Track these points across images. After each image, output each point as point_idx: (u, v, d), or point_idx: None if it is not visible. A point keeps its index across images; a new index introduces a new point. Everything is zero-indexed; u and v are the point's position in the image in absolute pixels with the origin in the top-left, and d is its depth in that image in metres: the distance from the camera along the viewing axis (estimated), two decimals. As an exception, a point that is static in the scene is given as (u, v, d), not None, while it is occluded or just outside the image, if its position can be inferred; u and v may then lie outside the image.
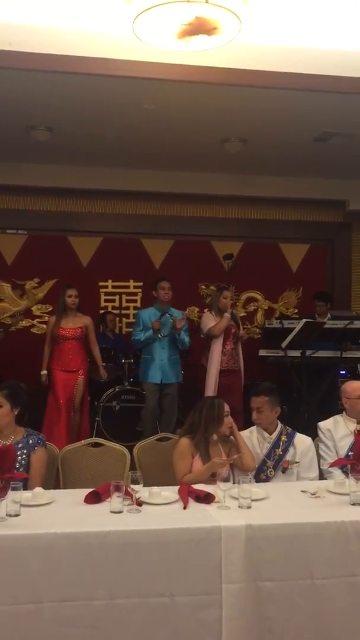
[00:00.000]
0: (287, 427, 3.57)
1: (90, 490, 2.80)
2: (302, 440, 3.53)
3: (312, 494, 2.90)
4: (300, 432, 3.59)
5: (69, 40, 3.59)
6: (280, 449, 3.47)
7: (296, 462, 3.43)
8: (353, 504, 2.75)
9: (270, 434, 3.52)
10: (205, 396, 3.49)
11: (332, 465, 3.35)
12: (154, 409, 5.66)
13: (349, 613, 2.52)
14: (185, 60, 3.73)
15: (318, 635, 2.51)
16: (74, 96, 4.92)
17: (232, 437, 3.40)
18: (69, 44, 3.62)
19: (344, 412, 3.76)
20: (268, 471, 3.44)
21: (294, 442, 3.50)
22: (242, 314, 7.46)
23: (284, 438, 3.50)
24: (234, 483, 2.90)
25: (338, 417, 3.76)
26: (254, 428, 3.59)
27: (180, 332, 5.59)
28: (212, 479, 3.08)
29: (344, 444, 3.62)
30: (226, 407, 3.40)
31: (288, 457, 3.45)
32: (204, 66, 3.83)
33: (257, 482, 3.37)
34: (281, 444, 3.49)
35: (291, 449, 3.48)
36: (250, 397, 3.63)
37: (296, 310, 7.78)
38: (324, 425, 3.75)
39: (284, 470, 3.42)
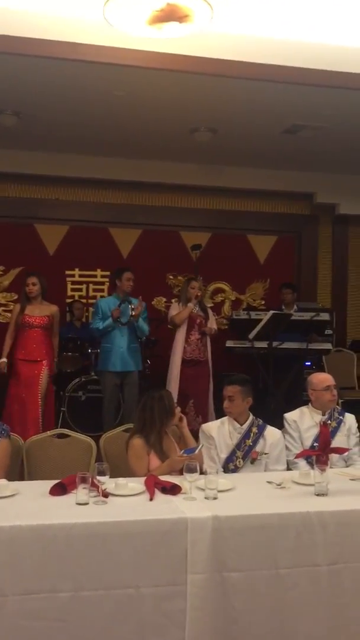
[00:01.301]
0: (259, 419, 3.59)
1: (55, 481, 2.76)
2: (272, 433, 3.56)
3: (278, 485, 2.93)
4: (265, 423, 3.62)
5: (38, 23, 3.51)
6: (250, 440, 3.50)
7: (265, 453, 3.46)
8: (317, 495, 2.78)
9: (241, 424, 3.54)
10: (149, 392, 3.40)
11: (297, 456, 3.38)
12: (113, 398, 5.61)
13: (311, 602, 2.55)
14: (156, 47, 3.70)
15: (282, 624, 2.54)
16: (42, 81, 4.82)
17: (180, 425, 3.37)
18: (38, 27, 3.55)
19: (309, 404, 3.80)
20: (237, 461, 3.46)
21: (265, 434, 3.53)
22: (210, 305, 7.46)
23: (254, 429, 3.53)
24: (200, 474, 2.90)
25: (304, 409, 3.80)
26: (225, 418, 3.60)
27: (138, 319, 5.51)
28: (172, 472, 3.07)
29: (309, 435, 3.66)
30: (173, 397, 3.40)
31: (258, 448, 3.48)
32: (175, 54, 3.80)
33: (225, 472, 3.40)
34: (252, 435, 3.51)
35: (261, 441, 3.51)
36: (221, 387, 3.64)
37: (263, 302, 7.83)
38: (289, 416, 3.78)
39: (252, 461, 3.45)
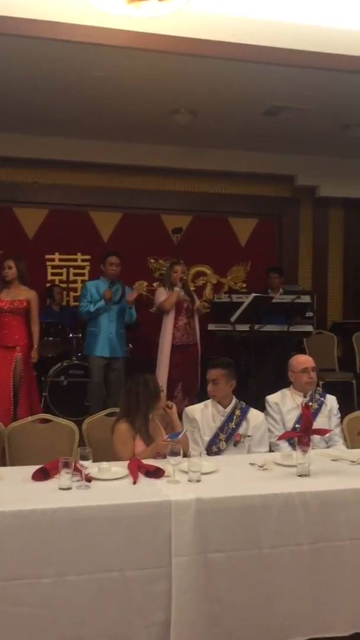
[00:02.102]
0: (242, 402, 3.61)
1: (38, 467, 2.75)
2: (255, 416, 3.58)
3: (260, 467, 2.95)
4: (249, 406, 3.64)
5: (14, 1, 3.43)
6: (233, 423, 3.52)
7: (248, 436, 3.49)
8: (299, 476, 2.80)
9: (225, 407, 3.56)
10: (135, 376, 3.38)
11: (280, 438, 3.41)
12: (100, 383, 5.60)
13: (293, 580, 2.58)
14: (135, 26, 3.64)
15: (264, 602, 2.57)
16: (19, 60, 4.72)
17: (169, 410, 3.36)
18: (14, 5, 3.46)
19: (291, 386, 3.83)
20: (220, 444, 3.49)
21: (248, 416, 3.55)
22: (192, 289, 7.46)
23: (237, 412, 3.55)
24: (183, 457, 2.91)
25: (285, 391, 3.83)
26: (209, 401, 3.62)
27: (132, 305, 5.55)
28: (156, 455, 3.07)
29: (291, 417, 3.69)
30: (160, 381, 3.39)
31: (241, 430, 3.50)
32: (154, 33, 3.73)
33: (208, 454, 3.43)
34: (235, 417, 3.53)
35: (244, 423, 3.53)
36: (204, 370, 3.65)
37: (244, 285, 7.84)
38: (271, 398, 3.81)
39: (235, 444, 3.48)
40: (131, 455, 3.12)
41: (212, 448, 3.49)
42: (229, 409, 3.56)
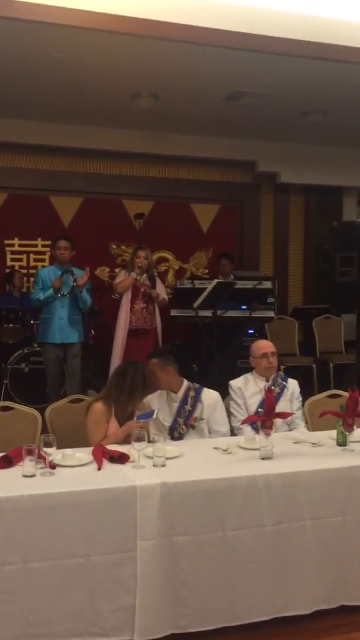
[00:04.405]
0: (194, 383, 3.63)
1: (0, 455, 2.72)
2: (208, 395, 3.61)
3: (224, 451, 2.98)
4: (202, 386, 3.66)
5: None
6: (189, 405, 3.54)
7: (202, 419, 3.51)
8: (263, 459, 2.84)
9: (176, 392, 3.58)
10: (132, 363, 3.39)
11: (243, 422, 3.44)
12: (55, 371, 5.52)
13: (255, 561, 2.63)
14: (96, 7, 3.59)
15: (227, 583, 2.61)
16: (-25, 39, 4.59)
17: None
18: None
19: (253, 371, 3.87)
20: (180, 429, 3.51)
21: (202, 397, 3.58)
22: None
23: (192, 393, 3.57)
24: (148, 442, 2.91)
25: (248, 376, 3.87)
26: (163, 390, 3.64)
27: (82, 290, 5.38)
28: (126, 439, 3.08)
29: (254, 402, 3.73)
30: None
31: (196, 413, 3.53)
32: (115, 14, 3.70)
33: (172, 440, 3.44)
34: (189, 399, 3.55)
35: (199, 405, 3.56)
36: None
37: (207, 271, 7.85)
38: (234, 383, 3.84)
39: (193, 427, 3.50)
40: (103, 437, 3.13)
41: (174, 433, 3.52)
42: (180, 393, 3.58)
